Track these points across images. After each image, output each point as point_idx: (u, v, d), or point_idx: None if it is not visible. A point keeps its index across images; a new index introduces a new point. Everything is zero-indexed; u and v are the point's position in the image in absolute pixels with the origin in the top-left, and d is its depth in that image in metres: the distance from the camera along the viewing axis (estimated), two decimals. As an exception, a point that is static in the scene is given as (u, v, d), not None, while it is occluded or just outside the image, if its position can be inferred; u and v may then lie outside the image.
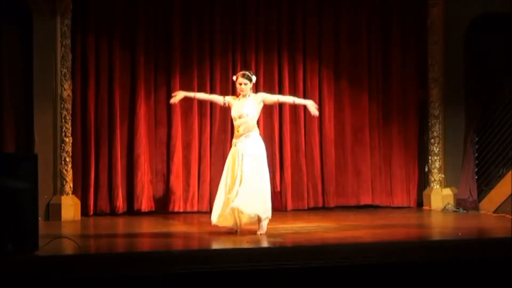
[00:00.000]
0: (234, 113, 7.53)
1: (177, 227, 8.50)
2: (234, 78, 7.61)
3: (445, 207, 9.68)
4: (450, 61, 9.85)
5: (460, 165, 9.82)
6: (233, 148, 7.53)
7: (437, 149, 9.88)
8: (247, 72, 7.58)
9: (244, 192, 7.23)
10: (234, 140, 7.54)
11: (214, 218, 7.40)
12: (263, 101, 7.61)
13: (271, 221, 7.40)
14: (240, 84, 7.49)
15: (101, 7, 9.19)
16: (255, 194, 7.29)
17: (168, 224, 8.60)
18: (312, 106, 7.63)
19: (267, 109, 9.61)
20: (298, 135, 9.73)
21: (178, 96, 7.86)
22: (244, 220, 7.45)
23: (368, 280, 6.05)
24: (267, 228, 7.40)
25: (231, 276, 5.87)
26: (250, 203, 7.25)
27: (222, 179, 7.51)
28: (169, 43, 9.41)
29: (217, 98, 7.93)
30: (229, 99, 7.70)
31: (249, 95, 7.53)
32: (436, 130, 9.87)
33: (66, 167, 8.81)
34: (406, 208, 9.93)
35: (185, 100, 9.36)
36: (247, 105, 7.48)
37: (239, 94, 7.60)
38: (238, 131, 7.48)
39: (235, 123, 7.52)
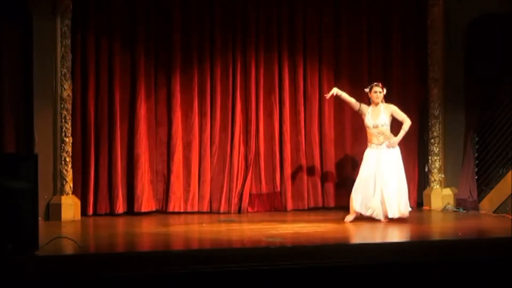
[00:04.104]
0: (369, 122, 8.42)
1: (177, 227, 8.50)
2: (368, 89, 8.49)
3: (445, 207, 9.68)
4: (450, 61, 9.84)
5: (460, 165, 9.81)
6: (375, 152, 8.36)
7: (437, 149, 9.88)
8: (380, 83, 8.52)
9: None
10: (374, 145, 8.39)
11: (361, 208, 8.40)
12: (392, 114, 8.46)
13: (271, 221, 7.38)
14: (376, 92, 8.41)
15: (101, 7, 9.17)
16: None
17: (168, 224, 8.60)
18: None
19: (267, 109, 9.67)
20: (298, 135, 9.72)
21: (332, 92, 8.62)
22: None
23: (368, 280, 6.05)
24: (267, 228, 7.39)
25: (231, 276, 5.87)
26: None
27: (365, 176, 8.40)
28: (169, 43, 9.40)
29: (355, 103, 8.61)
30: (363, 107, 8.52)
31: (380, 105, 8.41)
32: (436, 130, 9.86)
33: (66, 167, 8.80)
34: (406, 208, 9.92)
35: (186, 99, 9.46)
36: (381, 115, 8.39)
37: (371, 103, 8.45)
38: (378, 140, 8.37)
39: (371, 131, 8.41)
